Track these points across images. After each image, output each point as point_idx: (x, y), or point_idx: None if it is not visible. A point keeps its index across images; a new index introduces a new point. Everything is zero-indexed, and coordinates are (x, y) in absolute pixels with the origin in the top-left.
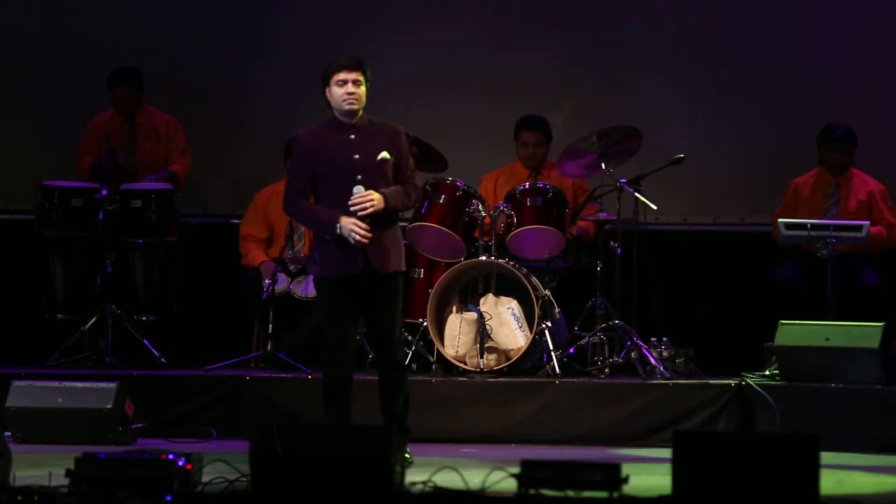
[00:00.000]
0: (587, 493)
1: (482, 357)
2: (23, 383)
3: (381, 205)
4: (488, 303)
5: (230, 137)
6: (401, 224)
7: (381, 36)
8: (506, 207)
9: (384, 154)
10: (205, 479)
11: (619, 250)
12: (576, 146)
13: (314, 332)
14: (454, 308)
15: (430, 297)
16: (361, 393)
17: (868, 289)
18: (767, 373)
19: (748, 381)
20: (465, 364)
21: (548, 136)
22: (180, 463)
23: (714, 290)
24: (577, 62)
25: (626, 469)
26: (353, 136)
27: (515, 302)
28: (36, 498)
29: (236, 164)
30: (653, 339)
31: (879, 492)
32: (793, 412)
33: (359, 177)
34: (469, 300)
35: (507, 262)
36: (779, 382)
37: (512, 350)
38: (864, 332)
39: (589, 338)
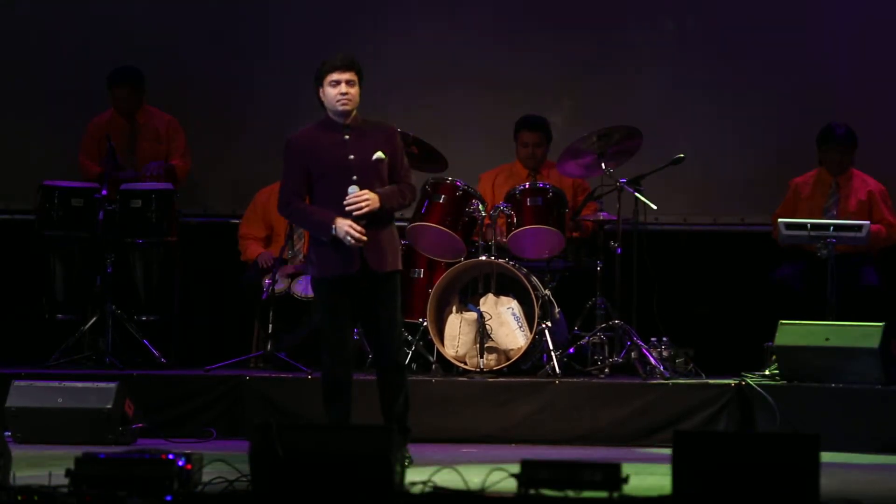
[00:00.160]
0: (587, 493)
1: (482, 357)
2: (23, 383)
3: (377, 204)
4: (488, 303)
5: (230, 137)
6: (399, 224)
7: (381, 36)
8: (506, 207)
9: (379, 154)
10: (205, 479)
11: (619, 250)
12: (576, 146)
13: (314, 332)
14: (454, 308)
15: (430, 297)
16: (361, 393)
17: (868, 289)
18: (767, 373)
19: (748, 381)
20: (465, 364)
21: (548, 136)
22: (180, 463)
23: (714, 290)
24: (577, 62)
25: (626, 469)
26: (347, 137)
27: (515, 302)
28: (36, 498)
29: (236, 164)
30: (653, 339)
31: (879, 492)
32: (793, 412)
33: (354, 177)
34: (469, 300)
35: (507, 262)
36: (779, 382)
37: (512, 350)
38: (864, 332)
39: (589, 338)
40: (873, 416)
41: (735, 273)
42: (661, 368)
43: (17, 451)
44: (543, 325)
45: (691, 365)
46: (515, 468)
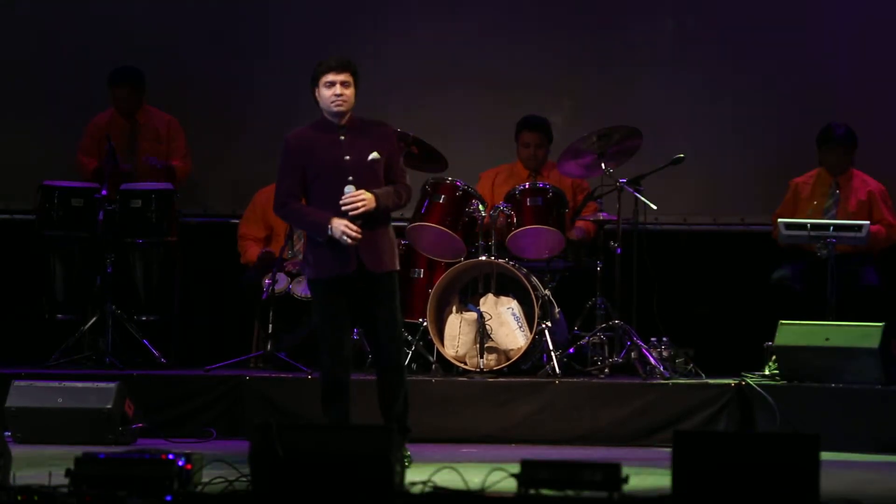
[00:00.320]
0: (587, 493)
1: (482, 357)
2: (23, 383)
3: (373, 204)
4: (488, 303)
5: (230, 137)
6: (399, 224)
7: (381, 36)
8: (505, 207)
9: (375, 155)
10: (205, 479)
11: (619, 250)
12: (576, 146)
13: (314, 331)
14: (454, 308)
15: (430, 297)
16: (361, 393)
17: (868, 289)
18: (767, 373)
19: (748, 381)
20: (465, 364)
21: (548, 136)
22: (180, 463)
23: (714, 290)
24: (578, 62)
25: (626, 469)
26: (343, 137)
27: (515, 302)
28: (36, 498)
29: (236, 164)
30: (653, 339)
31: (879, 492)
32: (793, 412)
33: (350, 177)
34: (469, 300)
35: (507, 262)
36: (779, 382)
37: (512, 350)
38: (864, 332)
39: (589, 338)
40: (873, 416)
41: (735, 273)
42: (661, 368)
43: (17, 451)
44: (543, 325)
45: (691, 365)
46: (515, 468)
